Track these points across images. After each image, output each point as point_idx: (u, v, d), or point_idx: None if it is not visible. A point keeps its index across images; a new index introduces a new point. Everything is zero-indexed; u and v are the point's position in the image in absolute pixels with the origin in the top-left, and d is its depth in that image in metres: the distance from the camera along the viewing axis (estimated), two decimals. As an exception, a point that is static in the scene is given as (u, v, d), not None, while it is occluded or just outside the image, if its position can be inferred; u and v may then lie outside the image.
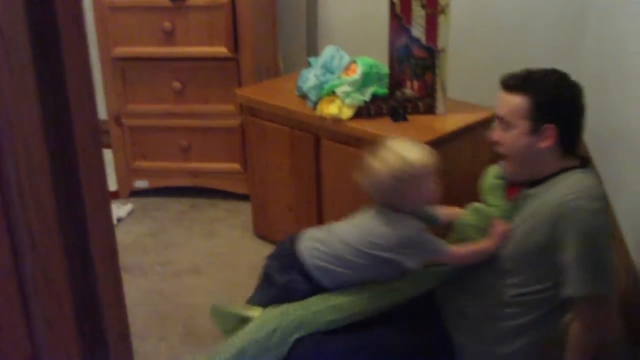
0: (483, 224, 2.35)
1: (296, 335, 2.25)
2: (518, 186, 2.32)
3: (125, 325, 1.04)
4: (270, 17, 3.73)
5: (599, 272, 2.12)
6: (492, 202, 2.39)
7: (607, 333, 2.22)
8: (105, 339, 1.01)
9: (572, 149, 2.27)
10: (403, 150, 2.26)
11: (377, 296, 2.34)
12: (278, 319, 2.27)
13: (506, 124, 2.24)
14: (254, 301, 2.42)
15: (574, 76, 2.20)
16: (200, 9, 3.45)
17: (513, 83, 2.29)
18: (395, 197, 2.26)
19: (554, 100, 2.24)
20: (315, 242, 2.36)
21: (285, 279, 2.35)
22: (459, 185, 2.91)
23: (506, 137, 2.25)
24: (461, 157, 2.90)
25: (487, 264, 2.30)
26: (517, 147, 2.24)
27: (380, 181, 2.25)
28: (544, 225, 2.17)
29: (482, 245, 2.30)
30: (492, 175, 2.42)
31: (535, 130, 2.20)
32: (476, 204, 2.43)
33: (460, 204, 2.92)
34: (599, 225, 2.08)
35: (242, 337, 2.25)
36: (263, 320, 2.28)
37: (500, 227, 2.27)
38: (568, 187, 2.18)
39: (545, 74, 2.30)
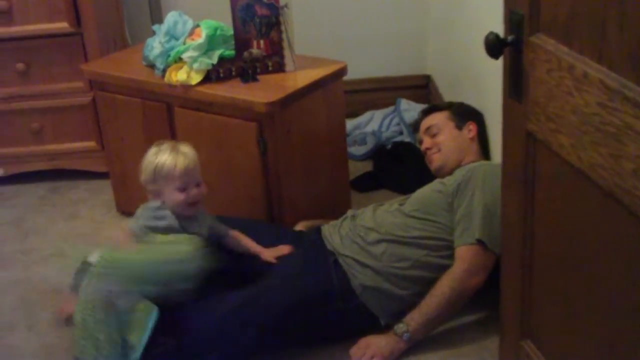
0: None
1: None
2: None
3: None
4: (112, -13, 3.63)
5: (494, 225, 2.35)
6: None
7: (480, 280, 2.42)
8: None
9: (486, 147, 2.86)
10: (158, 153, 2.50)
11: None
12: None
13: (435, 129, 2.86)
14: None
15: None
16: (36, -16, 3.32)
17: (430, 108, 3.10)
18: (149, 190, 2.53)
19: (464, 107, 2.98)
20: None
21: None
22: (316, 140, 2.92)
23: (438, 139, 2.84)
24: (316, 112, 2.90)
25: (391, 213, 2.60)
26: (449, 139, 2.82)
27: (141, 173, 2.53)
28: (455, 183, 2.54)
29: None
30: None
31: (459, 127, 2.84)
32: None
33: (319, 158, 2.94)
34: (498, 185, 2.12)
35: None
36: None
37: None
38: (480, 162, 2.70)
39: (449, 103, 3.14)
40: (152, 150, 2.52)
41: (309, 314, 2.41)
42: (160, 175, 2.47)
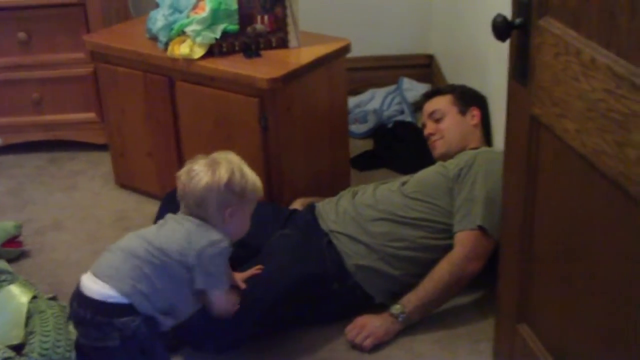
0: None
1: None
2: None
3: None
4: (116, -42, 3.60)
5: (495, 212, 2.34)
6: None
7: (479, 266, 2.42)
8: None
9: (489, 133, 2.84)
10: (242, 165, 2.07)
11: None
12: None
13: (439, 114, 2.81)
14: None
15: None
16: (40, -46, 3.30)
17: (433, 91, 3.05)
18: (215, 211, 2.02)
19: (467, 90, 2.92)
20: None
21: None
22: (317, 117, 2.91)
23: (441, 125, 2.79)
24: (318, 89, 2.88)
25: (393, 192, 2.57)
26: (452, 126, 2.78)
27: (207, 188, 2.00)
28: (457, 167, 2.52)
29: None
30: None
31: (462, 112, 2.80)
32: None
33: (320, 136, 2.93)
34: (500, 173, 2.08)
35: None
36: None
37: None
38: (484, 149, 2.68)
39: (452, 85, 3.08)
40: (225, 169, 2.01)
41: (304, 298, 2.40)
42: (248, 196, 2.06)
